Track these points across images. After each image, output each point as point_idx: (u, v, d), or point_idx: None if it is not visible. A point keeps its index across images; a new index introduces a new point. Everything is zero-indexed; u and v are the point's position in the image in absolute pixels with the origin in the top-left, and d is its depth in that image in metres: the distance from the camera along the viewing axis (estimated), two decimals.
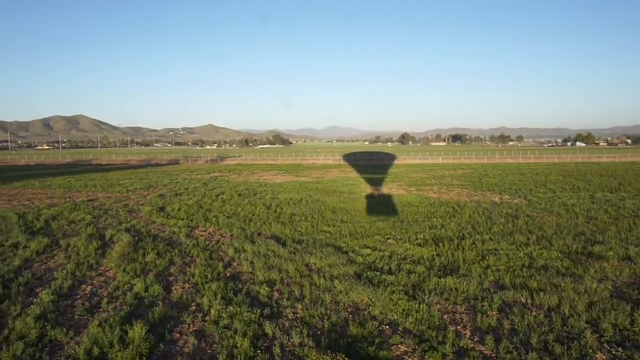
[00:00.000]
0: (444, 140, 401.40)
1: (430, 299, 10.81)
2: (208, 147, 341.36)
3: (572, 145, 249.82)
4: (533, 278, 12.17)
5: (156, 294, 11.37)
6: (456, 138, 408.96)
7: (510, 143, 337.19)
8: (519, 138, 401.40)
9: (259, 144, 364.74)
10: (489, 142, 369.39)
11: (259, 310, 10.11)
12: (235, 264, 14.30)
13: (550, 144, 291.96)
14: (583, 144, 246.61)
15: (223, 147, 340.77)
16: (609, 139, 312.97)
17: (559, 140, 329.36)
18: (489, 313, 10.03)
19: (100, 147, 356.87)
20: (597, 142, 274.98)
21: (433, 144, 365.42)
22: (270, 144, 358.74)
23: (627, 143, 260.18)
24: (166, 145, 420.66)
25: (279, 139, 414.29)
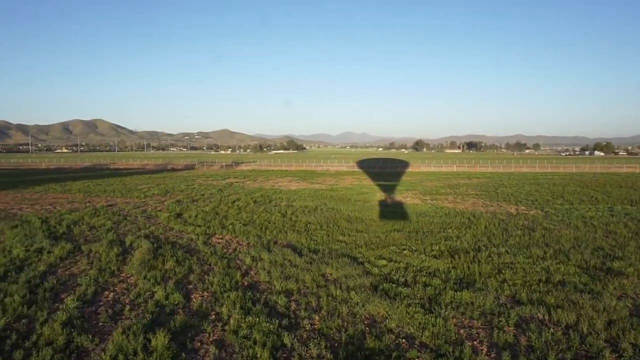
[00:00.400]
0: (459, 148, 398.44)
1: (447, 313, 10.87)
2: (223, 152, 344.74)
3: (590, 154, 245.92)
4: (550, 294, 12.13)
5: (176, 302, 11.65)
6: (471, 145, 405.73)
7: (527, 151, 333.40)
8: (536, 146, 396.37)
9: (273, 149, 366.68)
10: (504, 150, 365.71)
11: (277, 321, 10.29)
12: (252, 273, 14.54)
13: (567, 153, 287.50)
14: (602, 153, 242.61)
15: (237, 152, 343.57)
16: (630, 148, 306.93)
17: (577, 149, 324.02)
18: (505, 329, 10.05)
19: (118, 151, 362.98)
20: (617, 151, 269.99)
21: (448, 151, 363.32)
22: (284, 150, 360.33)
23: None
24: (182, 150, 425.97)
25: (293, 144, 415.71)
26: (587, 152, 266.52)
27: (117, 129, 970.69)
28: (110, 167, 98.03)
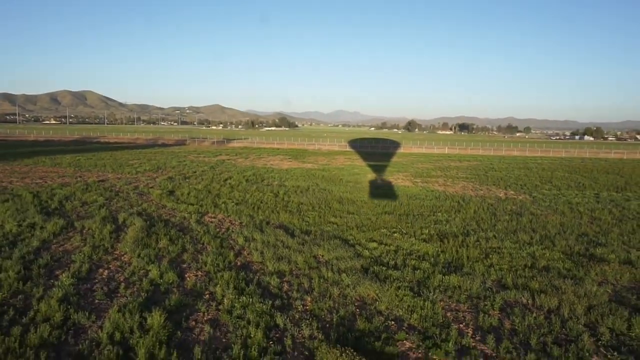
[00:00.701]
0: (451, 129, 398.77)
1: (435, 296, 11.21)
2: (214, 127, 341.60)
3: (580, 138, 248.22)
4: (535, 279, 12.54)
5: (171, 281, 11.83)
6: (463, 127, 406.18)
7: (518, 134, 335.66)
8: (527, 129, 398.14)
9: (265, 126, 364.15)
10: (496, 133, 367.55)
11: (270, 302, 10.55)
12: (245, 253, 14.74)
13: (557, 137, 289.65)
14: (591, 138, 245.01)
15: (229, 127, 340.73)
16: (618, 133, 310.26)
17: (567, 133, 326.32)
18: (490, 312, 10.42)
19: (107, 123, 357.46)
20: (606, 136, 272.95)
21: (440, 132, 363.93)
22: (276, 127, 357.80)
23: (636, 139, 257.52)
24: (172, 124, 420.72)
25: (285, 121, 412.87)
26: (577, 137, 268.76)
27: (106, 101, 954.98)
28: (101, 140, 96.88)
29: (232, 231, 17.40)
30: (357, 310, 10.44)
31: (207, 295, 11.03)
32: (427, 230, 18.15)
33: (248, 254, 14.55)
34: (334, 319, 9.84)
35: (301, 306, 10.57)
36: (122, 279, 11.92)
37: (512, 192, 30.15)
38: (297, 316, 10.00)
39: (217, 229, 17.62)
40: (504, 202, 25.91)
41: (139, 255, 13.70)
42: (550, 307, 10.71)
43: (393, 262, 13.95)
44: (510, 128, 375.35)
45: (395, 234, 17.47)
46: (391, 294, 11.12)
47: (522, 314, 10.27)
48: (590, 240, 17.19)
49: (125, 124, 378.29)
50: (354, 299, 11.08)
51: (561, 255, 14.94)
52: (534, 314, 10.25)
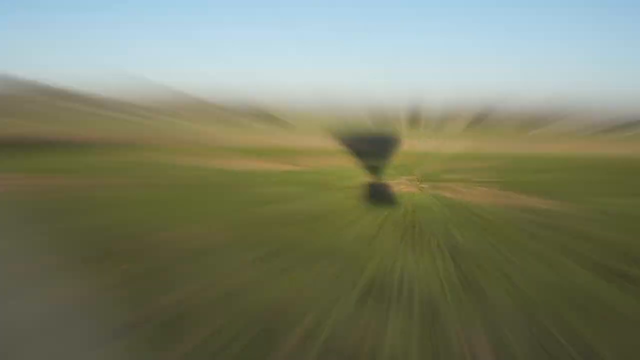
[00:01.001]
0: (463, 122, 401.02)
1: (449, 320, 11.76)
2: (179, 121, 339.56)
3: (626, 131, 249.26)
4: (562, 302, 12.97)
5: None
6: (477, 120, 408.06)
7: (543, 128, 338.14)
8: (558, 121, 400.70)
9: (241, 119, 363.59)
10: (515, 126, 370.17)
11: (268, 324, 11.14)
12: (235, 274, 15.12)
13: (596, 130, 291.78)
14: (632, 133, 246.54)
15: (194, 121, 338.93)
16: None
17: (613, 124, 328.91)
18: (511, 338, 10.97)
19: None
20: None
21: (449, 126, 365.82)
22: (254, 120, 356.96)
23: None
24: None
25: (265, 114, 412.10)
26: (622, 129, 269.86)
27: None
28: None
29: (216, 250, 17.73)
30: (361, 336, 10.97)
31: None
32: (435, 243, 18.70)
33: (239, 275, 14.94)
34: (338, 344, 10.44)
35: (301, 332, 11.11)
36: None
37: (539, 199, 30.56)
38: (297, 341, 10.53)
39: (197, 248, 18.04)
40: (529, 211, 26.40)
41: None
42: (578, 333, 11.21)
43: (399, 282, 14.50)
44: (533, 120, 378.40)
45: (400, 247, 18.07)
46: (399, 318, 11.74)
47: (547, 340, 10.85)
48: (627, 257, 17.39)
49: None
50: (358, 322, 11.66)
51: (593, 275, 15.36)
52: (560, 341, 10.84)
